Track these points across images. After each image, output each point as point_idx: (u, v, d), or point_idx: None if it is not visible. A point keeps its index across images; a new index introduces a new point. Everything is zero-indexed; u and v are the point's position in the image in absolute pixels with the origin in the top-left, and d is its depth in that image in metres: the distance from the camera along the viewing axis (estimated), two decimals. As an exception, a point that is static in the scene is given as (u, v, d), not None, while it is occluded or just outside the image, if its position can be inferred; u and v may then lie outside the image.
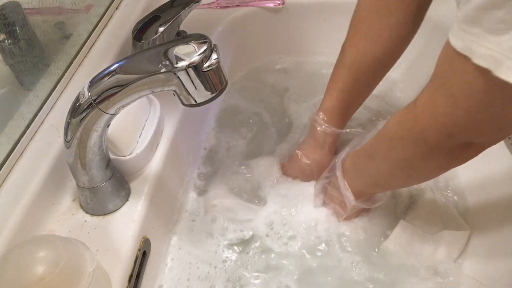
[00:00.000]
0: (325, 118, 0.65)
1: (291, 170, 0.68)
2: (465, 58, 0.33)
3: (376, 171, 0.54)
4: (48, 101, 0.57)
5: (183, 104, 0.43)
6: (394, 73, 0.78)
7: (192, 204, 0.67)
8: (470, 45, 0.32)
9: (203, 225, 0.64)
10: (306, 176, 0.67)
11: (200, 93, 0.42)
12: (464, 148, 0.41)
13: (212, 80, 0.41)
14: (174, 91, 0.42)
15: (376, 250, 0.60)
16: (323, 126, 0.65)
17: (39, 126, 0.55)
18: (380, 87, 0.74)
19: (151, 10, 0.65)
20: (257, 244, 0.62)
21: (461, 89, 0.35)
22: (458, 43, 0.33)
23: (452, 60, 0.35)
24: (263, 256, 0.61)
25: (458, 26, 0.33)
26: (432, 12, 0.56)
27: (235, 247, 0.62)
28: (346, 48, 0.61)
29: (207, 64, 0.40)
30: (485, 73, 0.32)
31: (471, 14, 0.31)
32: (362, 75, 0.61)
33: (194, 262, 0.59)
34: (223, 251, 0.61)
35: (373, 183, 0.57)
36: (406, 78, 0.82)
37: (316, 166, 0.66)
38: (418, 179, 0.54)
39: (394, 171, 0.50)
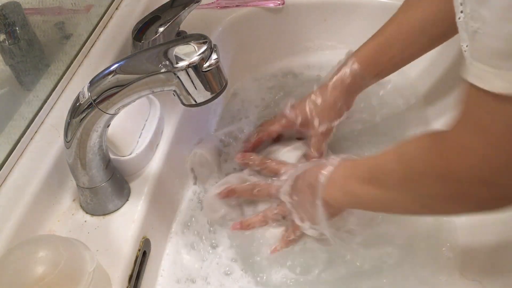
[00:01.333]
0: (354, 59, 0.61)
1: (295, 110, 0.64)
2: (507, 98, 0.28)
3: (376, 196, 0.46)
4: (48, 101, 0.57)
5: (183, 104, 0.43)
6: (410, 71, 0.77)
7: (192, 204, 0.67)
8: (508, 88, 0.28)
9: (203, 225, 0.64)
10: (305, 120, 0.63)
11: (200, 93, 0.42)
12: (499, 199, 0.36)
13: (212, 80, 0.41)
14: (174, 91, 0.42)
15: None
16: (348, 63, 0.61)
17: (39, 126, 0.55)
18: (395, 81, 0.73)
19: (151, 10, 0.65)
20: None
21: (504, 131, 0.31)
22: (497, 84, 0.28)
23: (488, 101, 0.30)
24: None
25: (483, 63, 0.29)
26: None
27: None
28: (403, 7, 0.59)
29: (207, 64, 0.40)
30: None
31: (505, 47, 0.27)
32: (407, 36, 0.58)
33: (194, 261, 0.59)
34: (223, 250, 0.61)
35: (360, 204, 0.50)
36: (423, 77, 0.80)
37: (320, 107, 0.62)
38: (423, 213, 0.49)
39: (402, 202, 0.44)
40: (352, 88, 0.62)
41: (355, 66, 0.61)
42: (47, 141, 0.53)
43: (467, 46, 0.30)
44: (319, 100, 0.62)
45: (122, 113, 0.45)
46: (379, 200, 0.46)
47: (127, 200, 0.53)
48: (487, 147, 0.32)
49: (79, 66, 0.64)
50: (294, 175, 0.56)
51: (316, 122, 0.62)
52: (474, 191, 0.35)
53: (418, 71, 0.79)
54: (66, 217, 0.51)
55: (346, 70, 0.61)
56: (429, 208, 0.43)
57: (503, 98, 0.29)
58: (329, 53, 0.89)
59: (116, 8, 0.75)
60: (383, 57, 0.60)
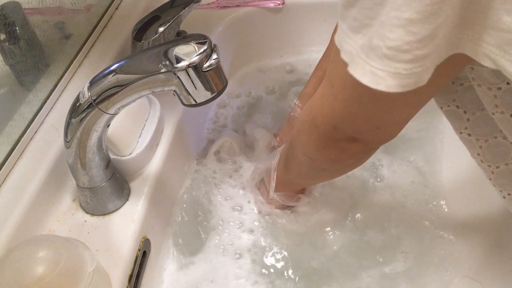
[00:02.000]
0: (300, 104, 0.66)
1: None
2: (339, 51, 0.33)
3: (291, 158, 0.54)
4: (48, 101, 0.57)
5: (183, 104, 0.43)
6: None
7: (193, 204, 0.67)
8: (340, 40, 0.33)
9: (203, 225, 0.64)
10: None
11: (200, 93, 0.42)
12: (350, 142, 0.42)
13: (212, 80, 0.41)
14: (174, 91, 0.42)
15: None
16: (297, 112, 0.65)
17: (39, 126, 0.55)
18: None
19: (151, 10, 0.65)
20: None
21: (338, 82, 0.37)
22: (336, 38, 0.33)
23: (335, 54, 0.36)
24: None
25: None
26: None
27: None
28: (332, 41, 0.62)
29: (207, 64, 0.40)
30: None
31: (340, 11, 0.32)
32: None
33: (193, 261, 0.59)
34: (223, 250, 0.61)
35: (292, 172, 0.57)
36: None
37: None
38: (321, 171, 0.53)
39: (299, 157, 0.50)
40: None
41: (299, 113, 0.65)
42: (47, 141, 0.53)
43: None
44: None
45: (122, 113, 0.45)
46: (292, 162, 0.54)
47: (127, 200, 0.53)
48: (330, 92, 0.39)
49: (79, 66, 0.64)
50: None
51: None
52: (329, 134, 0.42)
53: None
54: (66, 217, 0.51)
55: (293, 119, 0.67)
56: (313, 160, 0.48)
57: (337, 49, 0.33)
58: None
59: (116, 8, 0.75)
60: None
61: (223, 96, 0.48)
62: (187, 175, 0.68)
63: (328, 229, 0.62)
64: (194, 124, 0.71)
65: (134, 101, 0.43)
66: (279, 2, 0.83)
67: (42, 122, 0.56)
